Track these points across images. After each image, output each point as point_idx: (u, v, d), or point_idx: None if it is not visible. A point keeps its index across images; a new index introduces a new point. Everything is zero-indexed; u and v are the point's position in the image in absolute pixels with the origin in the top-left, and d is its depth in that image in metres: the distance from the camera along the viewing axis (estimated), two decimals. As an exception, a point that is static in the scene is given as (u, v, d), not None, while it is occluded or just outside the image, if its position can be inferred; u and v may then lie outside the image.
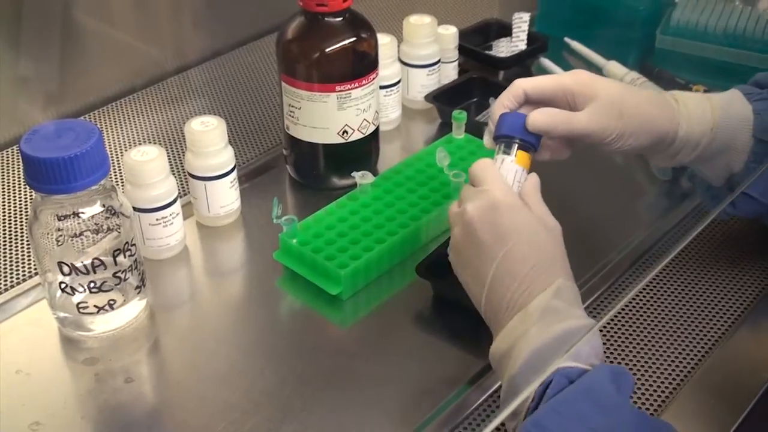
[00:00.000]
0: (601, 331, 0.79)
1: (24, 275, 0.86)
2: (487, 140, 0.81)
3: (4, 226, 0.92)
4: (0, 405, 0.73)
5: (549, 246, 0.70)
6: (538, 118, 0.76)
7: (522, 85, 0.79)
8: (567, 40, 1.22)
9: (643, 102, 0.78)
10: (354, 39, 0.90)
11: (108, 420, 0.73)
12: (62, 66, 1.05)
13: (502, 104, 0.79)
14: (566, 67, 1.16)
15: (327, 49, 0.89)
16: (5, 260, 0.88)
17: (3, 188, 0.98)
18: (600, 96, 0.76)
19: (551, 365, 0.62)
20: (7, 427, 0.71)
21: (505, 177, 0.75)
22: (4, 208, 0.95)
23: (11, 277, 0.85)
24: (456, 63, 1.12)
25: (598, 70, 1.17)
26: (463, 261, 0.72)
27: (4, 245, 0.90)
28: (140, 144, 1.02)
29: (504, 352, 0.67)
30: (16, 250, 0.89)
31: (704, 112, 0.79)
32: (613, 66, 1.15)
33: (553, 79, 0.79)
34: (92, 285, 0.76)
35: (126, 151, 0.88)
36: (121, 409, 0.73)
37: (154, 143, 1.01)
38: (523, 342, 0.65)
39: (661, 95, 0.81)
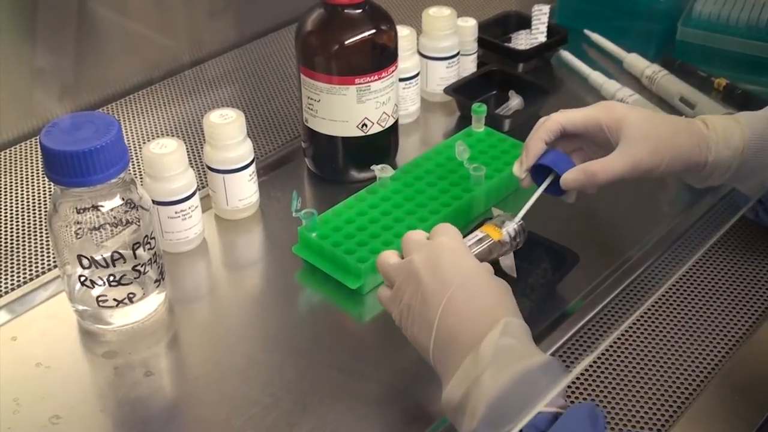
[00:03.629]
0: (639, 319, 0.78)
1: (43, 268, 0.86)
2: (516, 168, 0.82)
3: (23, 219, 0.92)
4: (20, 398, 0.73)
5: (494, 289, 0.67)
6: (572, 177, 0.78)
7: (559, 120, 0.81)
8: (587, 32, 1.21)
9: (675, 132, 0.79)
10: (374, 31, 0.89)
11: (127, 414, 0.72)
12: (78, 57, 1.04)
13: (539, 138, 0.80)
14: (586, 59, 1.15)
15: (346, 42, 0.88)
16: (24, 253, 0.87)
17: (21, 181, 0.97)
18: (632, 131, 0.78)
19: (515, 424, 0.58)
20: (27, 420, 0.71)
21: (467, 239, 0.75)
22: (22, 201, 0.94)
23: (30, 270, 0.85)
24: (475, 55, 1.11)
25: (618, 62, 1.16)
26: (410, 316, 0.67)
27: (23, 238, 0.89)
28: (158, 137, 1.02)
29: (459, 402, 0.62)
30: (34, 243, 0.89)
31: (733, 136, 0.80)
32: (634, 59, 1.14)
33: (587, 114, 0.81)
34: (111, 278, 0.76)
35: (144, 143, 0.88)
36: (140, 403, 0.73)
37: (172, 136, 1.01)
38: (478, 391, 0.60)
39: (691, 122, 0.82)
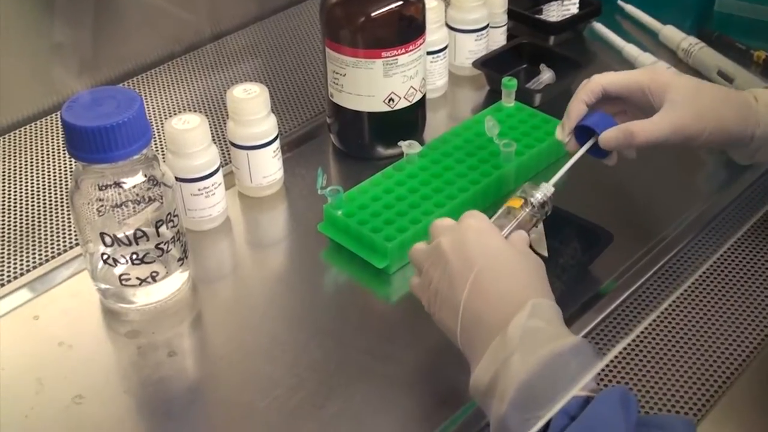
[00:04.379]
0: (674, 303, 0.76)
1: (65, 246, 0.84)
2: (559, 132, 0.80)
3: (44, 196, 0.91)
4: (43, 377, 0.72)
5: (523, 268, 0.65)
6: (613, 136, 0.75)
7: (600, 81, 0.78)
8: (621, 3, 1.17)
9: (720, 101, 0.77)
10: (401, 3, 0.86)
11: (150, 394, 0.71)
12: (97, 32, 1.02)
13: (580, 99, 0.78)
14: (620, 32, 1.12)
15: (373, 14, 0.85)
16: (46, 231, 0.86)
17: (42, 157, 0.96)
18: (676, 96, 0.75)
19: (546, 410, 0.55)
20: (50, 400, 0.70)
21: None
22: (43, 178, 0.93)
23: (52, 248, 0.84)
24: (505, 28, 1.09)
25: (653, 35, 1.12)
26: (438, 300, 0.66)
27: (44, 215, 0.88)
28: (180, 112, 1.00)
29: (487, 385, 0.60)
30: (56, 221, 0.87)
31: None
32: (669, 31, 1.10)
33: (630, 76, 0.78)
34: (134, 257, 0.75)
35: (166, 119, 0.86)
36: (163, 384, 0.72)
37: (195, 111, 0.99)
38: (506, 373, 0.58)
39: (740, 93, 0.79)
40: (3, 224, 0.87)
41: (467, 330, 0.63)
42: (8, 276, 0.81)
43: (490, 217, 0.71)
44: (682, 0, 1.16)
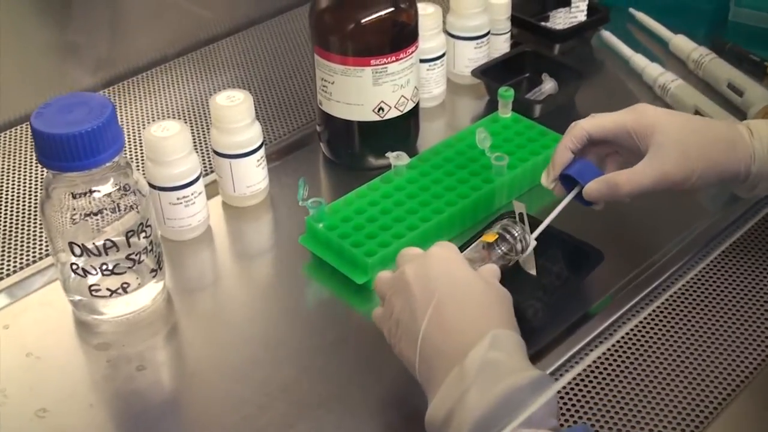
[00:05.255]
0: (657, 318, 0.72)
1: (40, 254, 0.82)
2: (544, 178, 0.77)
3: (20, 203, 0.88)
4: (7, 388, 0.70)
5: (487, 298, 0.62)
6: (595, 188, 0.73)
7: (584, 127, 0.75)
8: (632, 10, 1.14)
9: (710, 141, 0.73)
10: (392, 9, 0.84)
11: (117, 409, 0.70)
12: (91, 34, 1.01)
13: (565, 147, 0.75)
14: (630, 40, 1.08)
15: (362, 20, 0.83)
16: (21, 238, 0.84)
17: (18, 163, 0.94)
18: (662, 138, 0.72)
19: None
20: (13, 412, 0.68)
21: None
22: (19, 184, 0.91)
23: (26, 256, 0.82)
24: (508, 35, 1.05)
25: (663, 43, 1.09)
26: (398, 331, 0.63)
27: (20, 222, 0.86)
28: (167, 118, 0.98)
29: (443, 420, 0.58)
30: (32, 228, 0.85)
31: None
32: (680, 40, 1.06)
33: (615, 119, 0.75)
34: (104, 267, 0.73)
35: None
36: (131, 398, 0.70)
37: (183, 116, 0.98)
38: (463, 408, 0.56)
39: (732, 127, 0.75)
40: (-22, 231, 0.86)
41: (426, 361, 0.60)
42: (-20, 284, 0.80)
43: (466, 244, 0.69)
44: (696, 8, 1.11)
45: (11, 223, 0.86)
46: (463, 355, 0.58)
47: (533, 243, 0.73)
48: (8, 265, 0.81)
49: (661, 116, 0.74)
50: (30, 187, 0.91)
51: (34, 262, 0.81)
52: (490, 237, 0.71)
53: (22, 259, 0.82)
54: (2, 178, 0.92)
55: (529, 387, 0.56)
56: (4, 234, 0.85)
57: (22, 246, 0.84)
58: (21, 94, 0.99)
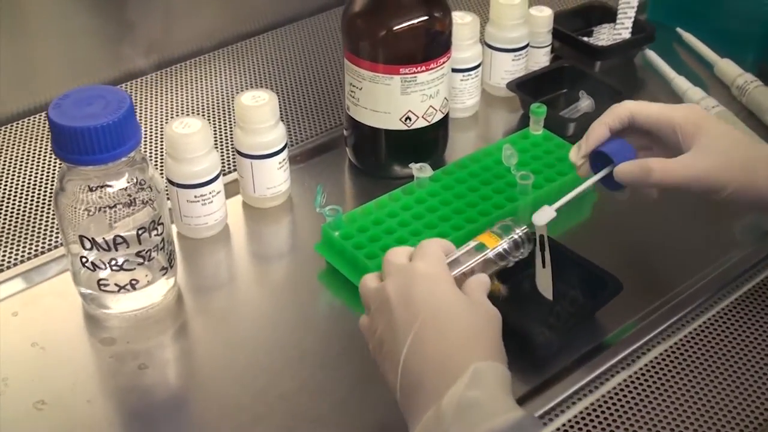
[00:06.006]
0: (673, 355, 0.69)
1: (57, 241, 0.82)
2: (573, 153, 0.74)
3: (40, 188, 0.88)
4: (9, 377, 0.70)
5: (471, 323, 0.59)
6: (628, 170, 0.69)
7: (630, 107, 0.72)
8: (679, 30, 1.11)
9: (756, 158, 0.69)
10: (425, 18, 0.82)
11: (113, 407, 0.69)
12: (123, 23, 1.00)
13: (603, 123, 0.72)
14: (675, 61, 1.05)
15: (395, 27, 0.81)
16: (40, 222, 0.84)
17: (42, 147, 0.94)
18: (708, 141, 0.69)
19: None
20: (11, 403, 0.68)
21: (453, 253, 0.66)
22: (41, 170, 0.91)
23: (45, 241, 0.82)
24: (548, 49, 1.03)
25: (708, 66, 1.05)
26: (382, 351, 0.60)
27: (39, 208, 0.86)
28: (195, 112, 0.98)
29: None
30: (50, 215, 0.85)
31: None
32: (726, 64, 1.03)
33: (663, 110, 0.71)
34: (113, 263, 0.72)
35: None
36: (129, 397, 0.69)
37: (212, 112, 0.97)
38: None
39: None
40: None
41: (406, 393, 0.58)
42: (-7, 268, 0.80)
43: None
44: (745, 33, 1.07)
45: (32, 207, 0.86)
46: (442, 392, 0.55)
47: (553, 215, 0.70)
48: (25, 250, 0.81)
49: (711, 120, 0.70)
50: (49, 175, 0.91)
51: (49, 250, 0.81)
52: (489, 241, 0.68)
53: (39, 245, 0.82)
54: (32, 160, 0.92)
55: (510, 431, 0.53)
56: (24, 218, 0.85)
57: (40, 231, 0.83)
58: (60, 77, 0.99)
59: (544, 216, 0.70)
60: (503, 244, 0.68)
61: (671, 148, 0.71)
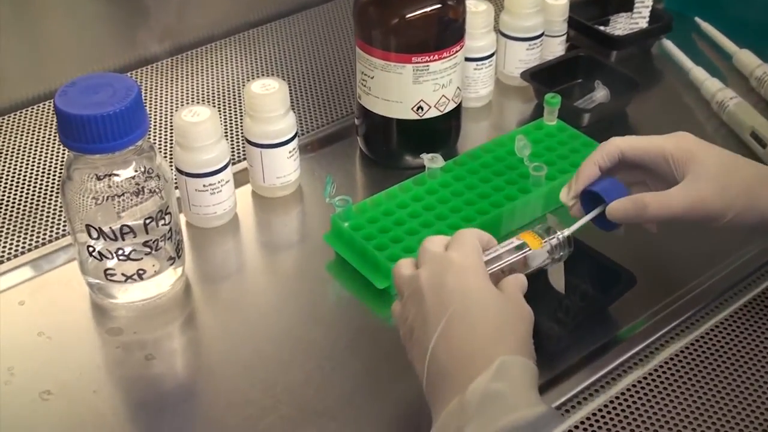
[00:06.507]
0: (688, 351, 0.68)
1: (65, 230, 0.82)
2: (564, 194, 0.73)
3: (49, 176, 0.88)
4: (15, 366, 0.69)
5: (503, 318, 0.58)
6: (621, 207, 0.68)
7: (618, 144, 0.70)
8: (697, 20, 1.09)
9: (756, 179, 0.68)
10: (438, 6, 0.81)
11: (119, 397, 0.69)
12: (136, 9, 1.00)
13: (593, 162, 0.70)
14: (693, 51, 1.04)
15: (407, 15, 0.80)
16: (49, 210, 0.84)
17: (51, 135, 0.94)
18: (701, 168, 0.67)
19: None
20: (18, 392, 0.68)
21: (494, 249, 0.65)
22: (50, 157, 0.90)
23: (53, 230, 0.82)
24: (563, 38, 1.01)
25: (727, 57, 1.04)
26: (412, 338, 0.60)
27: (47, 196, 0.86)
28: (205, 100, 0.97)
29: None
30: (59, 203, 0.85)
31: None
32: (745, 55, 1.01)
33: (653, 142, 0.70)
34: (120, 252, 0.72)
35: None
36: (134, 388, 0.69)
37: (222, 100, 0.96)
38: None
39: None
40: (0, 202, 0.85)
41: (432, 382, 0.58)
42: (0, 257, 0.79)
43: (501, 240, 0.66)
44: (765, 22, 1.05)
45: (42, 194, 0.86)
46: (467, 383, 0.55)
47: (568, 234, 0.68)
48: (34, 238, 0.81)
49: (702, 146, 0.69)
50: (58, 162, 0.90)
51: (58, 238, 0.81)
52: (533, 241, 0.66)
53: (48, 232, 0.81)
54: (42, 147, 0.92)
55: (532, 425, 0.52)
56: (33, 205, 0.84)
57: (50, 219, 0.83)
58: (70, 63, 0.98)
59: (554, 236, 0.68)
60: (546, 246, 0.67)
61: (666, 179, 0.69)
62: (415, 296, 0.60)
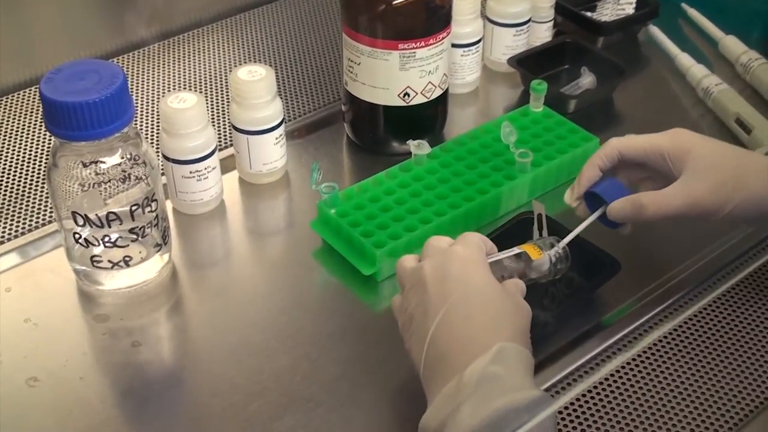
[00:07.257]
0: (671, 335, 0.69)
1: (52, 215, 0.82)
2: (568, 195, 0.74)
3: (37, 162, 0.88)
4: (1, 353, 0.69)
5: (502, 309, 0.60)
6: (620, 207, 0.69)
7: (616, 146, 0.72)
8: (684, 6, 1.09)
9: (753, 172, 0.68)
10: (425, -8, 0.81)
11: (106, 384, 0.69)
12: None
13: (594, 164, 0.72)
14: (679, 37, 1.04)
15: (394, 2, 0.80)
16: (36, 196, 0.84)
17: (37, 121, 0.93)
18: (696, 164, 0.68)
19: None
20: (4, 379, 0.68)
21: (496, 255, 0.67)
22: (37, 143, 0.90)
23: (39, 216, 0.82)
24: (550, 24, 1.01)
25: (713, 43, 1.04)
26: (411, 327, 0.62)
27: (34, 182, 0.85)
28: (190, 87, 0.97)
29: (434, 430, 0.56)
30: (45, 189, 0.85)
31: None
32: (730, 41, 1.01)
33: (649, 141, 0.71)
34: (107, 239, 0.72)
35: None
36: (121, 374, 0.69)
37: (207, 86, 0.96)
38: (455, 422, 0.54)
39: None
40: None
41: (430, 366, 0.59)
42: (-13, 243, 0.79)
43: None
44: (751, 8, 1.06)
45: (29, 180, 0.86)
46: (465, 366, 0.56)
47: (565, 247, 0.70)
48: (20, 224, 0.81)
49: (698, 141, 0.70)
50: (45, 148, 0.90)
51: (44, 224, 0.81)
52: (533, 252, 0.68)
53: (35, 218, 0.81)
54: (29, 133, 0.91)
55: (526, 408, 0.53)
56: (20, 191, 0.84)
57: (37, 205, 0.83)
58: (57, 48, 0.98)
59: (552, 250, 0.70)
60: (545, 258, 0.68)
61: (666, 175, 0.71)
62: (418, 286, 0.61)
